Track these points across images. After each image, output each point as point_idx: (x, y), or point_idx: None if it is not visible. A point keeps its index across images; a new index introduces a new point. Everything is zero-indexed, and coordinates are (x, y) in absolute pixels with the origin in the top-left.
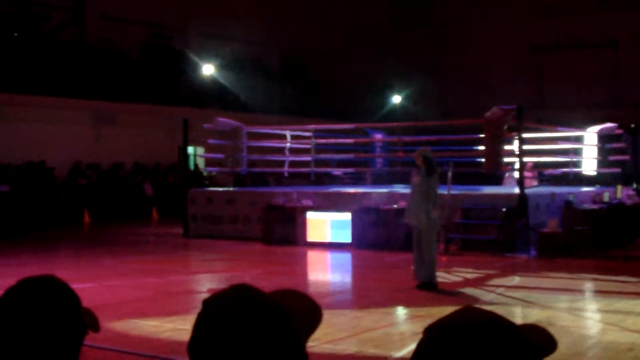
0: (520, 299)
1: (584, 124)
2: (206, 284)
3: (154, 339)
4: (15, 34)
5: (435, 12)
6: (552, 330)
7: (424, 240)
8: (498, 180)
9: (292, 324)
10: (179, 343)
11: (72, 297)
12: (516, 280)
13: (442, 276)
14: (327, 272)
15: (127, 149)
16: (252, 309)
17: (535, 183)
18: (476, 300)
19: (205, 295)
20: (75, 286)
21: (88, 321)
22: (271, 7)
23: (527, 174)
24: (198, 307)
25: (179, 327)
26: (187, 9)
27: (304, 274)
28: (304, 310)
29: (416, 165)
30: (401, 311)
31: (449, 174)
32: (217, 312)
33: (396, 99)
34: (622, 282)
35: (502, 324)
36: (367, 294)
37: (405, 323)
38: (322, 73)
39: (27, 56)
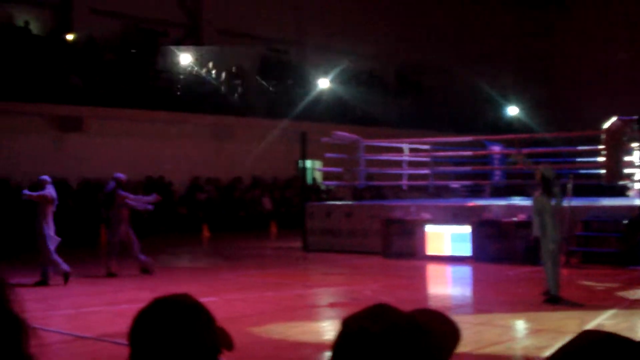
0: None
1: None
2: (326, 298)
3: (274, 355)
4: (133, 51)
5: (555, 21)
6: None
7: (549, 253)
8: (619, 192)
9: (431, 344)
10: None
11: (206, 316)
12: (637, 294)
13: (564, 289)
14: (447, 286)
15: (245, 163)
16: (392, 329)
17: None
18: (599, 314)
19: (325, 310)
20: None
21: (222, 340)
22: (387, 21)
23: None
24: (319, 321)
25: (303, 341)
26: (303, 23)
27: (424, 287)
28: (443, 330)
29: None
30: (523, 325)
31: (569, 186)
32: (357, 332)
33: (513, 110)
34: None
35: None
36: (488, 307)
37: (528, 337)
38: (438, 85)
39: (144, 73)
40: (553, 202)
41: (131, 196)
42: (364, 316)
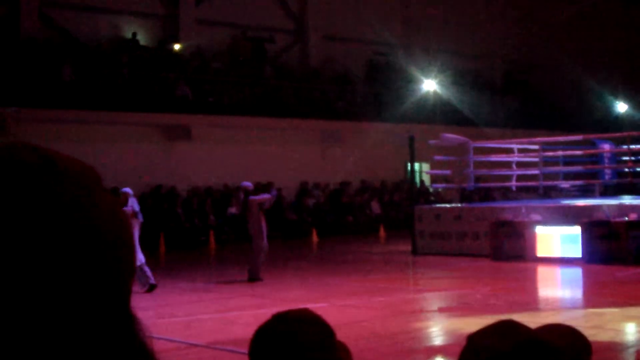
0: None
1: None
2: (436, 302)
3: None
4: (241, 58)
5: None
6: None
7: None
8: None
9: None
10: None
11: (327, 332)
12: None
13: None
14: (557, 289)
15: (353, 167)
16: (520, 347)
17: None
18: None
19: (435, 314)
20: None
21: (343, 356)
22: (492, 19)
23: None
24: (429, 327)
25: (413, 347)
26: (408, 25)
27: (534, 290)
28: (573, 347)
29: None
30: (634, 329)
31: None
32: (483, 350)
33: (622, 107)
34: None
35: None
36: (599, 311)
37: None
38: (545, 83)
39: (250, 79)
40: None
41: (257, 198)
42: (491, 333)
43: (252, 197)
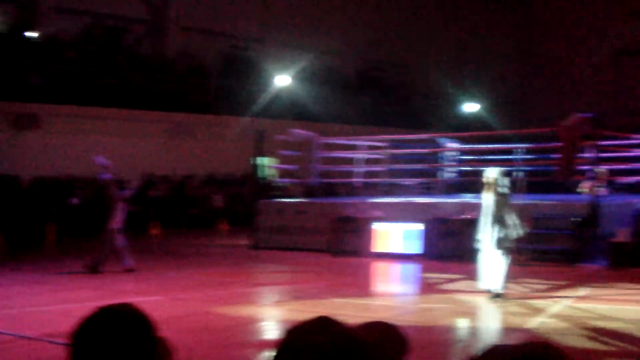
0: (589, 310)
1: None
2: (272, 296)
3: (216, 354)
4: (94, 47)
5: (516, 19)
6: (620, 343)
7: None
8: (571, 189)
9: (374, 358)
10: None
11: (148, 327)
12: (585, 291)
13: (511, 287)
14: (393, 284)
15: (202, 160)
16: (335, 344)
17: (605, 192)
18: (542, 311)
19: (270, 308)
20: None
21: (162, 351)
22: (347, 17)
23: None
24: (263, 321)
25: (245, 340)
26: (265, 20)
27: (369, 285)
28: (390, 344)
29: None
30: (463, 324)
31: (520, 183)
32: (300, 346)
33: (473, 107)
34: None
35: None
36: (430, 307)
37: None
38: (398, 82)
39: (103, 69)
40: (501, 200)
41: (122, 192)
42: (308, 329)
43: (116, 191)
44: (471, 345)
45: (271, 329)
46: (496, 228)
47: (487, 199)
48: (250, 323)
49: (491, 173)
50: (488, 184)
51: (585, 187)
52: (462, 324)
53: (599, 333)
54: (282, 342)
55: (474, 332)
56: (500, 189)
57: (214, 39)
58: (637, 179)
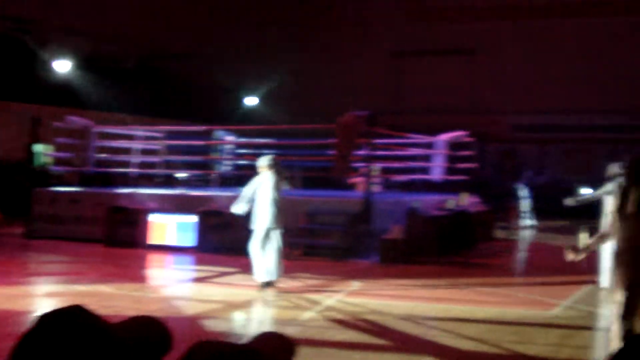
0: (359, 304)
1: (438, 130)
2: (43, 287)
3: None
4: None
5: (295, 10)
6: (387, 336)
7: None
8: (349, 186)
9: (138, 351)
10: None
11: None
12: (356, 286)
13: (284, 281)
14: (166, 276)
15: None
16: (83, 333)
17: (379, 189)
18: (315, 304)
19: (42, 299)
20: None
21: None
22: (128, 4)
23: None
24: (32, 313)
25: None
26: (45, 1)
27: (143, 277)
28: (151, 337)
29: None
30: (236, 317)
31: (295, 178)
32: (49, 330)
33: (252, 100)
34: (460, 289)
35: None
36: (206, 298)
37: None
38: (177, 73)
39: None
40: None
41: None
42: (59, 317)
43: None
44: (240, 338)
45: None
46: (270, 214)
47: (261, 186)
48: (19, 315)
49: (264, 161)
50: (261, 171)
51: (357, 182)
52: (234, 316)
53: (366, 327)
54: (34, 325)
55: (244, 325)
56: (274, 177)
57: None
58: (410, 177)
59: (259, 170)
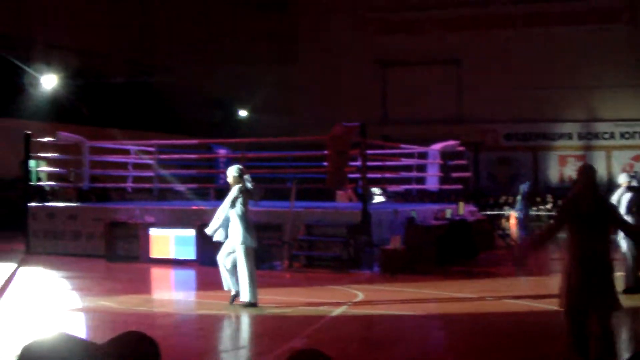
0: (364, 315)
1: (428, 140)
2: (44, 303)
3: None
4: None
5: (282, 23)
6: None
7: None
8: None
9: None
10: None
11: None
12: (360, 297)
13: (286, 294)
14: (169, 290)
15: None
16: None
17: (383, 199)
18: (316, 319)
19: (43, 318)
20: None
21: None
22: (118, 19)
23: (349, 192)
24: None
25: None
26: (31, 19)
27: (147, 291)
28: (140, 354)
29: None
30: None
31: (292, 191)
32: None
33: (242, 113)
34: (460, 298)
35: None
36: (209, 311)
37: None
38: (167, 86)
39: None
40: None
41: None
42: (43, 345)
43: None
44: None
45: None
46: (235, 230)
47: (231, 198)
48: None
49: (231, 171)
50: (232, 182)
51: (342, 195)
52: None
53: (372, 338)
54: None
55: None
56: (243, 187)
57: None
58: (406, 187)
59: (229, 182)
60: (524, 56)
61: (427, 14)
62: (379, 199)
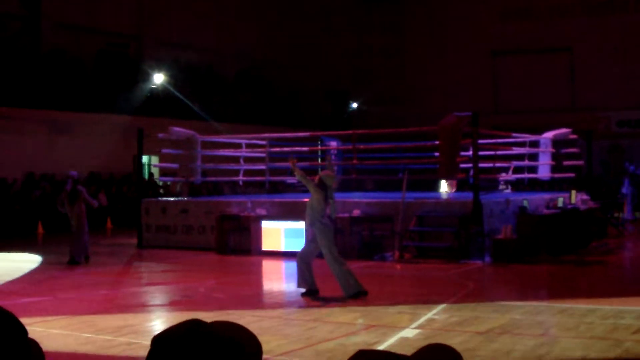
0: (474, 307)
1: (540, 129)
2: (160, 296)
3: (103, 355)
4: None
5: (396, 16)
6: (506, 337)
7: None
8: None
9: (242, 356)
10: (132, 359)
11: (19, 329)
12: (471, 287)
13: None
14: (281, 282)
15: (82, 159)
16: (204, 348)
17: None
18: (430, 308)
19: (158, 308)
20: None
21: (34, 352)
22: (226, 15)
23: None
24: (151, 321)
25: (133, 342)
26: (143, 17)
27: (258, 284)
28: (249, 343)
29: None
30: (356, 321)
31: (404, 181)
32: (167, 353)
33: (354, 105)
34: (574, 287)
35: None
36: (321, 304)
37: (359, 334)
38: (278, 80)
39: None
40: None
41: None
42: (174, 334)
43: (81, 187)
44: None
45: (159, 329)
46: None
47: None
48: (138, 324)
49: (323, 178)
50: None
51: (448, 185)
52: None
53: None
54: (150, 351)
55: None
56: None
57: (91, 36)
58: (517, 176)
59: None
60: (636, 42)
61: (539, 2)
62: (502, 188)
